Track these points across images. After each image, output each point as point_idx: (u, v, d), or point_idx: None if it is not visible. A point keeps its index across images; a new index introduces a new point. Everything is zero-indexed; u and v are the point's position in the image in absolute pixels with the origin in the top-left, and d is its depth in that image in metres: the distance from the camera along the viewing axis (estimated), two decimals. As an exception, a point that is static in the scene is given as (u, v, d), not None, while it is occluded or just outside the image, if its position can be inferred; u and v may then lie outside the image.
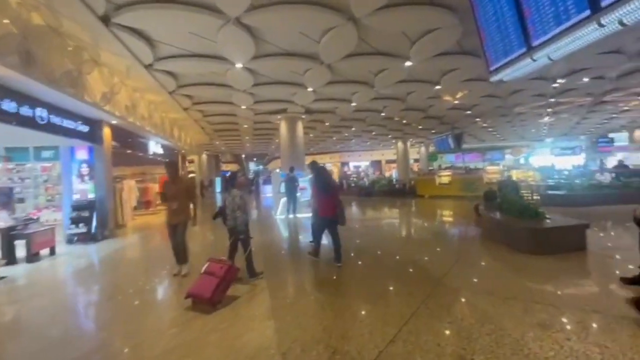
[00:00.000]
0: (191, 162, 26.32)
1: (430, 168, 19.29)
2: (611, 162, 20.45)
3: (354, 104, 12.42)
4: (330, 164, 35.74)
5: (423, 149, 28.97)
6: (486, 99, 12.83)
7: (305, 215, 11.52)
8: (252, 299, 3.92)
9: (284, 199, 11.28)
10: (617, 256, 4.85)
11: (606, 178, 12.87)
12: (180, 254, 4.99)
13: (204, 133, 17.99)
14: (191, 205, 5.11)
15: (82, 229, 7.62)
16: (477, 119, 17.53)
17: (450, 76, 9.51)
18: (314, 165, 5.57)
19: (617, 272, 4.03)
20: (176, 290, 4.40)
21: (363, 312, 3.34)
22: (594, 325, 2.83)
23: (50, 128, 6.49)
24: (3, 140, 7.73)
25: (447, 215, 11.23)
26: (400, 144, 24.96)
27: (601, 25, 2.62)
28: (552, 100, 13.30)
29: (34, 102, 5.95)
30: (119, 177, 12.33)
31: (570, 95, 12.78)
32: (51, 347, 2.98)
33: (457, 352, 2.49)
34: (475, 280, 4.21)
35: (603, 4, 2.56)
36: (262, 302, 3.79)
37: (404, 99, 12.31)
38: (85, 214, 7.75)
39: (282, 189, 11.09)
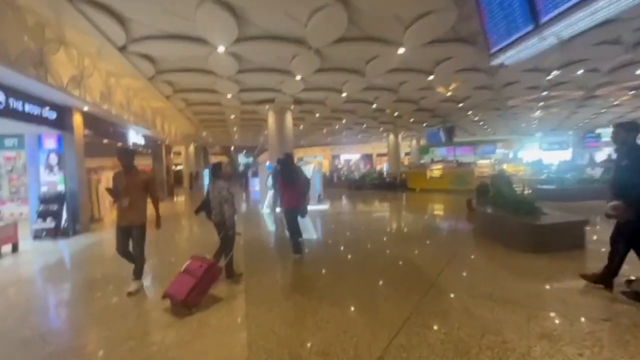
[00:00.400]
0: (177, 153, 25.50)
1: (422, 161, 19.07)
2: (599, 157, 20.59)
3: (344, 95, 11.98)
4: (321, 156, 35.32)
5: (414, 142, 28.78)
6: (479, 91, 12.56)
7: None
8: (226, 304, 3.52)
9: (271, 192, 10.85)
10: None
11: (597, 172, 12.82)
12: (136, 267, 4.09)
13: (189, 124, 17.32)
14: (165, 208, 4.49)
15: (50, 223, 7.06)
16: (469, 112, 17.31)
17: (444, 65, 9.15)
18: (282, 158, 5.48)
19: (621, 272, 3.76)
20: (153, 289, 3.98)
21: (349, 321, 2.98)
22: (607, 336, 2.53)
23: (9, 113, 5.90)
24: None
25: (438, 210, 10.98)
26: (391, 137, 24.67)
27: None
28: (545, 93, 13.12)
29: (-13, 83, 5.34)
30: (97, 169, 11.70)
31: (563, 88, 12.61)
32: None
33: (455, 371, 2.15)
34: (471, 281, 3.90)
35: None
36: (237, 308, 3.40)
37: (396, 90, 11.93)
38: (54, 207, 7.19)
39: (269, 182, 10.64)
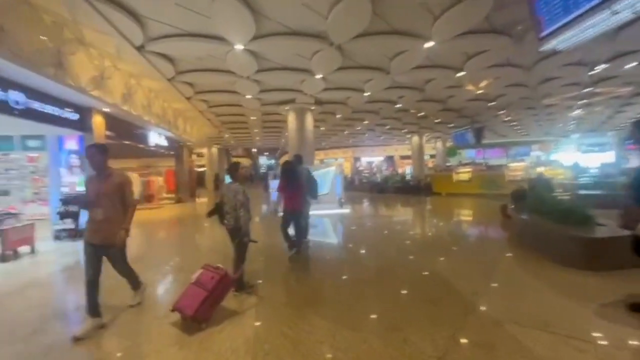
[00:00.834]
0: (200, 155, 25.89)
1: (448, 164, 18.17)
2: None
3: (367, 94, 11.49)
4: (342, 158, 34.83)
5: (439, 144, 27.68)
6: (513, 88, 11.68)
7: (312, 212, 10.76)
8: (238, 321, 3.17)
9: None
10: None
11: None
12: (129, 281, 3.67)
13: (211, 125, 17.38)
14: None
15: (69, 224, 7.06)
16: (500, 112, 16.27)
17: (476, 61, 8.48)
18: (289, 160, 5.88)
19: None
20: (162, 299, 3.70)
21: (371, 352, 2.53)
22: None
23: (28, 114, 5.89)
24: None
25: (467, 216, 10.24)
26: (415, 139, 23.80)
27: None
28: (587, 90, 12.01)
29: (6, 84, 5.32)
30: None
31: (609, 85, 11.48)
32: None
33: None
34: (518, 306, 3.31)
35: None
36: (248, 327, 3.03)
37: (422, 89, 11.30)
38: (74, 208, 7.18)
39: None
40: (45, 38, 5.47)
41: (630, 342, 2.51)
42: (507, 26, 6.68)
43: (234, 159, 36.18)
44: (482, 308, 3.24)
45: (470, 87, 11.29)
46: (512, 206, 7.59)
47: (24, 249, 6.01)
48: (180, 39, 6.70)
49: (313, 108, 13.38)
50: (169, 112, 12.33)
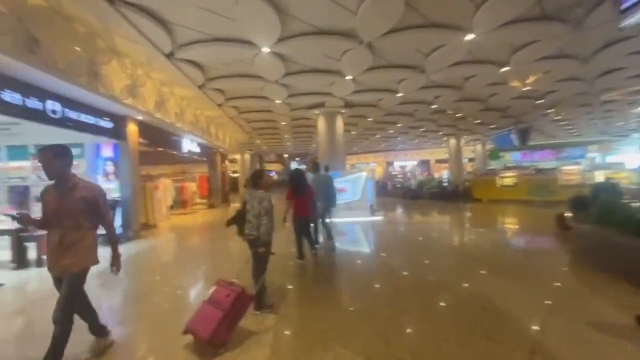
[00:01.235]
0: (233, 161, 26.44)
1: (490, 168, 16.89)
2: None
3: (400, 95, 10.91)
4: (375, 163, 34.03)
5: (479, 146, 26.06)
6: (565, 83, 10.52)
7: (342, 219, 10.32)
8: (258, 345, 2.84)
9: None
10: None
11: None
12: (89, 324, 2.93)
13: (242, 131, 17.61)
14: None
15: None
16: (549, 111, 14.85)
17: (523, 53, 7.65)
18: (295, 170, 5.92)
19: None
20: (176, 316, 3.48)
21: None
22: None
23: (65, 123, 6.08)
24: (33, 137, 7.62)
25: (516, 225, 9.26)
26: (452, 142, 22.56)
27: None
28: (658, 82, 10.51)
29: (43, 93, 5.50)
30: (155, 176, 12.23)
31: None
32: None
33: None
34: (600, 348, 2.65)
35: None
36: (267, 354, 2.68)
37: (460, 87, 10.51)
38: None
39: (317, 190, 9.97)
40: (79, 49, 5.60)
41: None
42: (562, 10, 5.88)
43: (265, 164, 36.72)
44: (552, 348, 2.62)
45: (515, 84, 10.31)
46: (571, 215, 6.65)
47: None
48: (207, 44, 6.65)
49: (343, 111, 13.01)
50: (201, 119, 12.55)
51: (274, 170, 38.44)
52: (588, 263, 4.74)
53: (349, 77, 8.94)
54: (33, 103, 5.27)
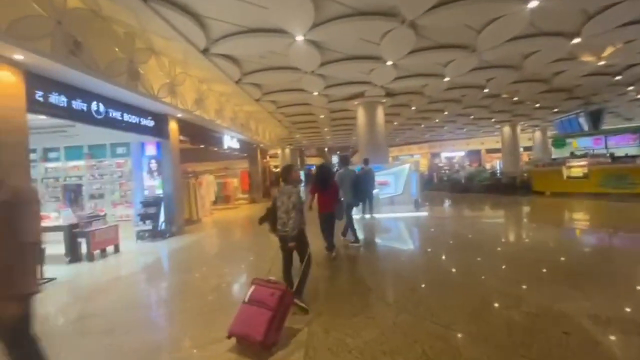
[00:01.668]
0: (273, 156, 26.76)
1: (554, 157, 15.04)
2: None
3: (446, 79, 9.97)
4: (419, 155, 32.45)
5: (538, 133, 23.54)
6: (654, 54, 8.82)
7: (385, 215, 9.75)
8: (302, 343, 2.60)
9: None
10: None
11: None
12: None
13: (281, 126, 17.60)
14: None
15: (148, 225, 7.48)
16: (629, 88, 12.74)
17: (599, 20, 6.44)
18: (321, 166, 5.82)
19: None
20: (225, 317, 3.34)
21: None
22: None
23: (109, 123, 6.28)
24: (87, 138, 8.11)
25: (589, 222, 8.00)
26: (506, 129, 20.60)
27: None
28: None
29: (87, 95, 5.70)
30: (199, 172, 12.61)
31: None
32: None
33: None
34: None
35: None
36: (321, 348, 2.38)
37: (519, 66, 9.30)
38: (152, 210, 7.60)
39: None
40: (117, 49, 5.70)
41: None
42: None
43: (305, 158, 36.82)
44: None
45: (587, 58, 8.87)
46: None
47: (109, 248, 6.45)
48: (240, 36, 6.47)
49: (384, 101, 12.31)
50: (240, 115, 12.65)
51: (315, 165, 38.43)
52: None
53: (389, 63, 8.30)
54: (78, 104, 5.47)
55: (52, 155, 8.33)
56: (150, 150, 8.15)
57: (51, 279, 4.88)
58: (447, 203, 13.24)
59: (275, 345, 2.63)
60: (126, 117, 6.69)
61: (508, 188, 14.81)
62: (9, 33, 3.81)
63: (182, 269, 5.78)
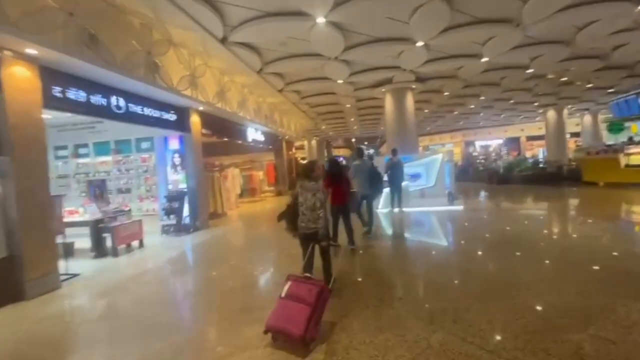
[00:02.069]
0: (300, 148, 26.50)
1: (610, 143, 13.47)
2: None
3: (484, 60, 9.04)
4: (451, 143, 30.82)
5: (587, 117, 21.36)
6: None
7: (415, 209, 9.14)
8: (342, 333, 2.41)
9: (386, 190, 9.13)
10: None
11: None
12: None
13: (307, 117, 17.22)
14: None
15: (172, 220, 7.46)
16: None
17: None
18: (332, 160, 5.86)
19: None
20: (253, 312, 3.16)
21: None
22: None
23: (130, 117, 6.21)
24: (114, 134, 8.21)
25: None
26: (551, 114, 18.82)
27: None
28: None
29: (107, 90, 5.61)
30: (225, 166, 12.59)
31: None
32: None
33: None
34: None
35: None
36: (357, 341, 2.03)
37: (570, 41, 8.20)
38: (176, 204, 7.57)
39: (385, 176, 8.93)
40: (134, 41, 5.55)
41: None
42: None
43: (332, 150, 36.33)
44: None
45: (657, 27, 7.61)
46: None
47: (134, 243, 6.47)
48: (259, 21, 6.12)
49: (414, 86, 11.54)
50: (264, 106, 12.41)
51: (342, 156, 37.84)
52: None
53: (420, 44, 7.59)
54: (97, 99, 5.40)
55: (82, 151, 8.54)
56: (174, 144, 8.10)
57: (75, 275, 4.88)
58: (484, 195, 12.30)
59: (313, 341, 2.58)
60: (147, 111, 6.60)
61: (553, 178, 13.55)
62: (18, 26, 3.69)
63: (204, 264, 5.65)
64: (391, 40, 7.49)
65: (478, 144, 31.18)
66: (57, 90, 4.70)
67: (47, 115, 7.22)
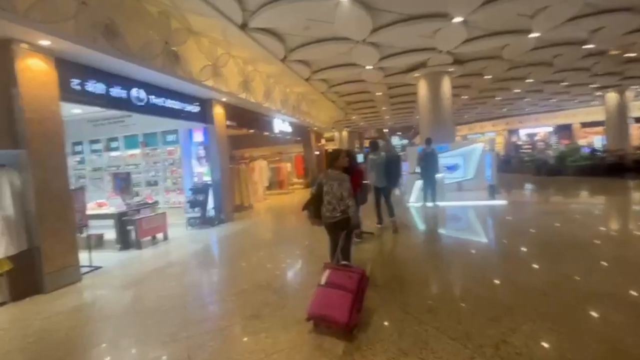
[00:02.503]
0: (330, 139, 26.05)
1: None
2: None
3: (534, 35, 7.97)
4: (493, 132, 28.71)
5: (656, 100, 18.72)
6: None
7: (451, 203, 8.40)
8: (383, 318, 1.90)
9: (418, 182, 8.47)
10: None
11: None
12: None
13: (336, 107, 16.70)
14: None
15: (197, 212, 7.42)
16: None
17: None
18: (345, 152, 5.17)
19: None
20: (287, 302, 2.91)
21: None
22: None
23: (151, 110, 6.17)
24: (141, 127, 8.31)
25: None
26: (612, 96, 16.66)
27: None
28: None
29: (127, 81, 5.55)
30: (254, 158, 12.53)
31: None
32: None
33: None
34: None
35: None
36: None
37: (642, 7, 6.93)
38: (200, 197, 7.51)
39: (418, 168, 8.27)
40: (151, 30, 5.40)
41: None
42: None
43: (364, 141, 35.46)
44: None
45: None
46: None
47: (159, 235, 6.48)
48: (278, 3, 5.72)
49: (451, 70, 10.59)
50: (291, 97, 12.09)
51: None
52: None
53: (458, 20, 6.80)
54: (117, 92, 5.35)
55: (113, 145, 8.77)
56: (198, 136, 8.04)
57: (97, 267, 4.91)
58: (531, 189, 11.15)
59: (356, 327, 2.62)
60: (169, 103, 6.52)
61: (614, 169, 11.96)
62: (28, 17, 3.60)
63: (227, 257, 5.51)
64: (425, 18, 6.76)
65: (523, 132, 28.77)
66: (75, 83, 4.66)
67: (78, 109, 7.54)
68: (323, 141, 19.95)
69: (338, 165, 3.50)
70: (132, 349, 2.70)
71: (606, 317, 2.58)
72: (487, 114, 25.76)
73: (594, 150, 14.42)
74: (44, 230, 3.99)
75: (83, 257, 4.95)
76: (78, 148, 9.09)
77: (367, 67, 9.87)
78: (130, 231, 6.04)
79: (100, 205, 6.49)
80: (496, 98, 17.59)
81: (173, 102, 6.64)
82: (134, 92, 5.70)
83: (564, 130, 26.32)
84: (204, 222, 7.54)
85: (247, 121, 9.71)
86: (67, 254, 4.28)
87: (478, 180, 9.37)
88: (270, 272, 4.43)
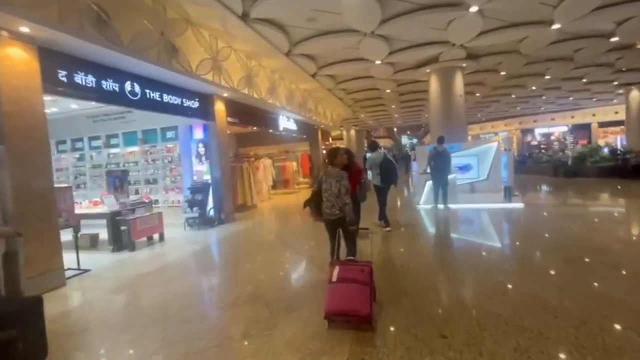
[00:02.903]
0: (337, 138, 25.59)
1: None
2: None
3: (556, 27, 7.43)
4: (506, 132, 27.89)
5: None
6: None
7: (464, 205, 7.91)
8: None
9: (429, 183, 8.01)
10: None
11: None
12: None
13: (343, 105, 16.28)
14: None
15: (196, 212, 7.12)
16: None
17: None
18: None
19: None
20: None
21: None
22: None
23: (147, 104, 5.86)
24: (141, 124, 8.06)
25: None
26: (635, 94, 15.87)
27: None
28: None
29: (120, 74, 5.25)
30: (260, 156, 12.21)
31: None
32: None
33: None
34: None
35: None
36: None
37: (679, -6, 6.35)
38: (199, 196, 7.21)
39: (428, 168, 7.81)
40: (145, 20, 5.09)
41: None
42: None
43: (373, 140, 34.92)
44: None
45: None
46: None
47: (155, 236, 6.19)
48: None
49: (464, 65, 10.09)
50: (296, 93, 11.72)
51: (383, 146, 36.33)
52: None
53: (474, 9, 6.34)
54: (109, 85, 5.06)
55: (113, 141, 8.54)
56: (198, 133, 7.74)
57: (85, 271, 4.63)
58: (549, 191, 10.56)
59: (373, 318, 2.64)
60: (166, 97, 6.22)
61: (638, 171, 11.27)
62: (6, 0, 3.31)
63: (221, 263, 5.16)
64: (437, 7, 6.33)
65: (538, 131, 27.88)
66: (62, 74, 4.37)
67: (75, 105, 7.31)
68: (331, 140, 19.53)
69: (337, 163, 3.53)
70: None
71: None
72: (500, 113, 24.98)
73: (614, 151, 13.68)
74: (24, 232, 3.69)
75: (72, 259, 4.71)
76: (78, 145, 8.89)
77: (376, 62, 9.45)
78: (123, 232, 5.75)
79: (95, 204, 6.25)
80: (511, 96, 16.94)
81: (170, 97, 6.33)
82: (128, 85, 5.40)
83: (581, 129, 25.38)
84: (203, 222, 7.23)
85: (250, 118, 9.38)
86: (50, 257, 4.00)
87: (492, 182, 8.87)
88: (265, 282, 4.05)
